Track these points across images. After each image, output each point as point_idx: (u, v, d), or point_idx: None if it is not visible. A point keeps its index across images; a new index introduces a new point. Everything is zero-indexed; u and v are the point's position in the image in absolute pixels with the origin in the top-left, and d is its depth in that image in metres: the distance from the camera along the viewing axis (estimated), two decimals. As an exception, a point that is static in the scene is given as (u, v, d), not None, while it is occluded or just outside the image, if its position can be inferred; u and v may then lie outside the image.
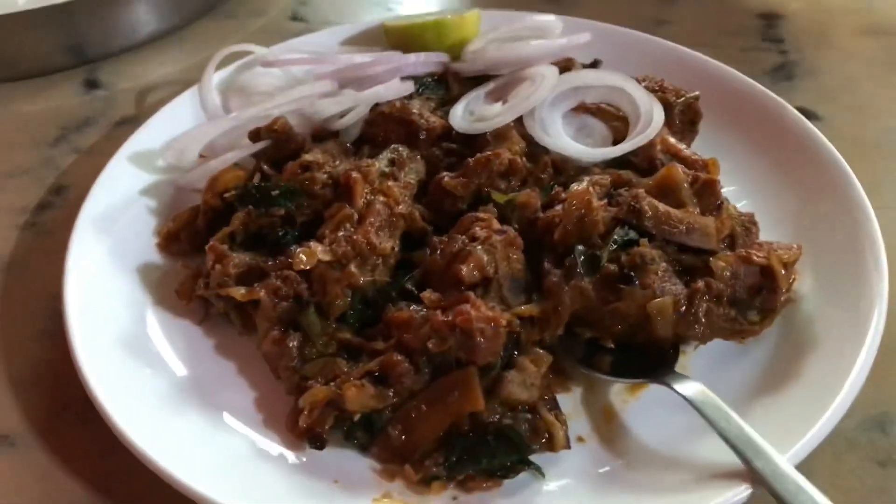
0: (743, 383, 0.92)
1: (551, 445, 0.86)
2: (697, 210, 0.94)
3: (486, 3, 1.40)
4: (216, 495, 0.77)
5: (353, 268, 0.93)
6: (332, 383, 0.88)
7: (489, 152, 1.03)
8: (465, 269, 0.89)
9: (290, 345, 0.91)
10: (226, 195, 1.05)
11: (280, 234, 1.01)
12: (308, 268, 0.92)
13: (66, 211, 1.20)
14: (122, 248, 1.05)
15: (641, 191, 0.94)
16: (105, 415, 0.84)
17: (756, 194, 1.13)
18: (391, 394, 0.86)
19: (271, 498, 0.82)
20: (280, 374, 0.92)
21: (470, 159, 1.03)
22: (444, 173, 1.05)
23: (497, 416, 0.86)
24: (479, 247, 0.92)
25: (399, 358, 0.87)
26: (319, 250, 0.92)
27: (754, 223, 1.02)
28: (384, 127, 1.12)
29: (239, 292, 0.95)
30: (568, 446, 0.86)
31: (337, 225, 0.96)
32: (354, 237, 0.94)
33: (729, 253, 0.93)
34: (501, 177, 1.03)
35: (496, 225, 0.95)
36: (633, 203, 0.92)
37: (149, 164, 1.15)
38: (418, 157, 1.08)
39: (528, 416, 0.87)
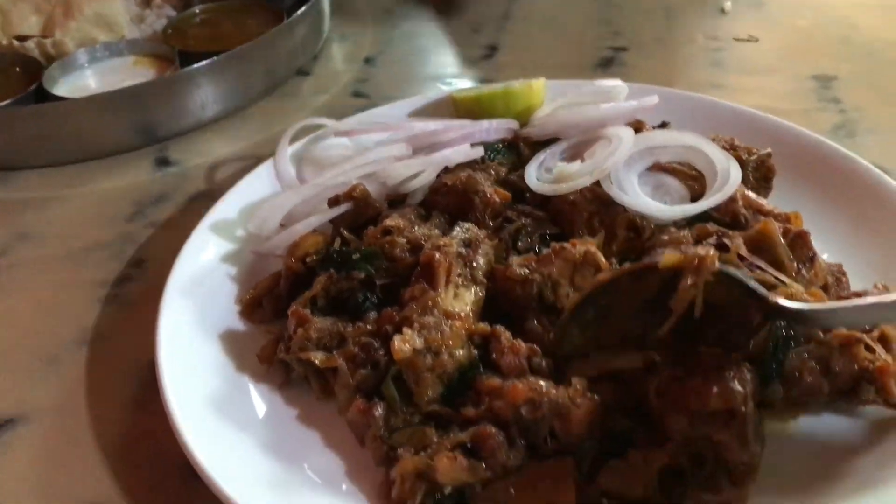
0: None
1: None
2: (795, 264, 0.94)
3: (536, 75, 1.40)
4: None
5: (445, 356, 0.90)
6: (422, 453, 0.85)
7: (566, 244, 0.98)
8: None
9: (376, 414, 0.89)
10: (307, 260, 1.06)
11: (360, 299, 1.01)
12: (407, 356, 0.88)
13: (145, 283, 1.21)
14: (206, 315, 1.05)
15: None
16: (212, 484, 0.82)
17: (836, 248, 1.11)
18: (484, 467, 0.83)
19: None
20: (367, 443, 0.90)
21: (546, 250, 0.99)
22: (513, 260, 0.99)
23: None
24: None
25: (492, 430, 0.83)
26: (417, 341, 0.89)
27: (843, 273, 1.02)
28: (447, 198, 1.12)
29: (318, 357, 0.94)
30: None
31: (423, 309, 0.93)
32: (445, 327, 0.91)
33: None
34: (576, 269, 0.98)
35: None
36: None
37: (230, 234, 1.17)
38: (487, 239, 1.04)
39: None
